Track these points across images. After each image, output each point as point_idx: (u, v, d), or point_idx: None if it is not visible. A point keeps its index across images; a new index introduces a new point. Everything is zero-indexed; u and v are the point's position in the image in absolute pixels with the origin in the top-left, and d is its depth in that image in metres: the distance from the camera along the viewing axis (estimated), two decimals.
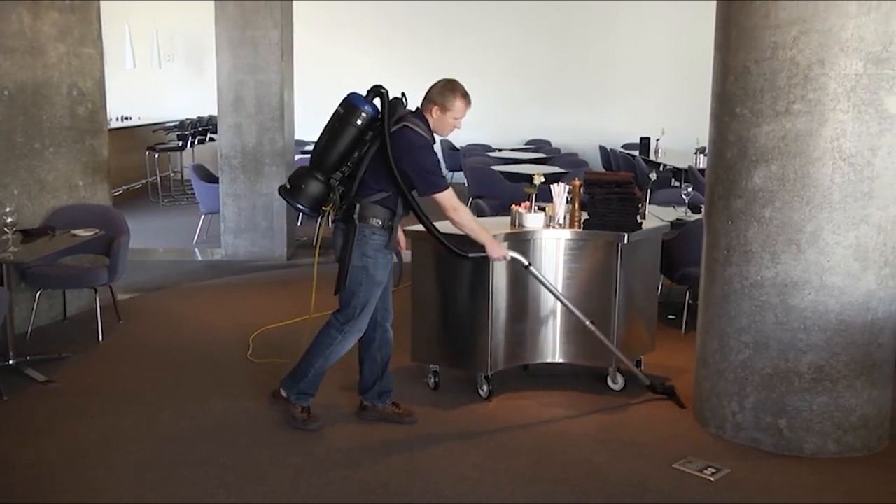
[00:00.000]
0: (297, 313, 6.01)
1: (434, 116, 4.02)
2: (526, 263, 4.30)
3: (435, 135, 4.06)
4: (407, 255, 4.50)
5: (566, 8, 13.85)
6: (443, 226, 4.94)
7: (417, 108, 4.04)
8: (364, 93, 3.92)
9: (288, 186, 4.02)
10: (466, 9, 13.91)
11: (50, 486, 3.64)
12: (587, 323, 4.43)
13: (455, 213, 4.02)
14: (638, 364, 4.98)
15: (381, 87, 3.88)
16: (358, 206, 3.94)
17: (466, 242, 4.18)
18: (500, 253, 4.18)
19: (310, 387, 4.19)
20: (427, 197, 3.96)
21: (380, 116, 3.87)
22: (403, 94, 3.98)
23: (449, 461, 3.90)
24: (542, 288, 4.65)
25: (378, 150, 3.88)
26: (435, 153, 4.02)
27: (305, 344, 4.22)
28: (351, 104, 3.89)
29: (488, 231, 4.20)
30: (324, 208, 4.00)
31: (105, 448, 4.01)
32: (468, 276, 4.55)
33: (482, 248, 4.16)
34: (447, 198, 3.98)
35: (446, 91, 4.02)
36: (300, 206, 3.99)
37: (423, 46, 13.62)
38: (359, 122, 3.86)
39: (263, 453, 3.94)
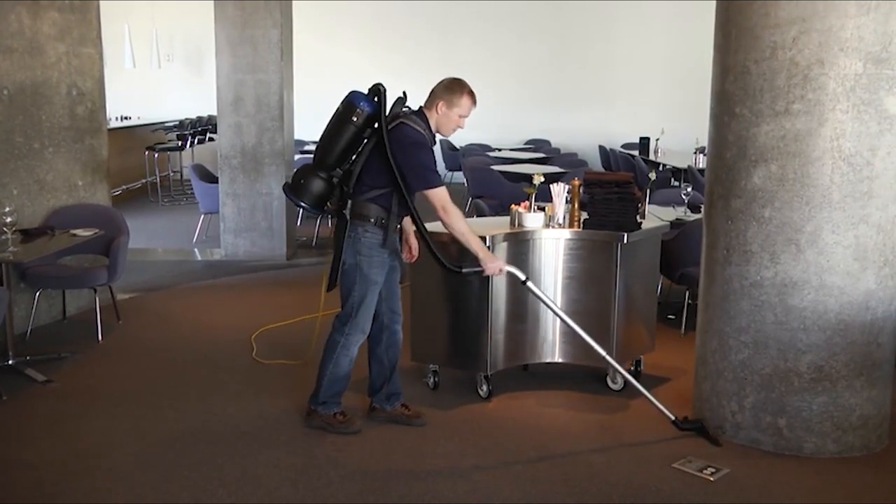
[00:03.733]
0: (297, 313, 6.02)
1: (439, 112, 3.98)
2: (523, 278, 4.08)
3: (437, 134, 4.05)
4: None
5: (566, 8, 13.85)
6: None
7: (420, 107, 4.02)
8: (366, 91, 3.92)
9: (290, 184, 4.04)
10: (466, 9, 13.91)
11: (49, 486, 3.64)
12: (593, 343, 4.17)
13: (445, 214, 3.89)
14: (637, 363, 4.99)
15: (380, 85, 3.87)
16: (351, 202, 3.93)
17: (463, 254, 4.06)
18: (496, 267, 4.01)
19: (329, 395, 4.17)
20: (420, 193, 3.90)
21: (377, 114, 3.87)
22: (404, 93, 3.98)
23: (448, 461, 3.90)
24: (542, 288, 4.64)
25: (374, 146, 3.87)
26: (431, 151, 3.94)
27: (313, 344, 4.19)
28: (350, 102, 3.88)
29: (483, 243, 4.03)
30: (328, 206, 3.99)
31: (105, 448, 4.01)
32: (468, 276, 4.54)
33: (476, 260, 3.99)
34: (439, 195, 3.87)
35: (454, 87, 3.99)
36: (302, 204, 3.99)
37: (422, 47, 13.62)
38: (356, 119, 3.85)
39: (263, 453, 3.94)
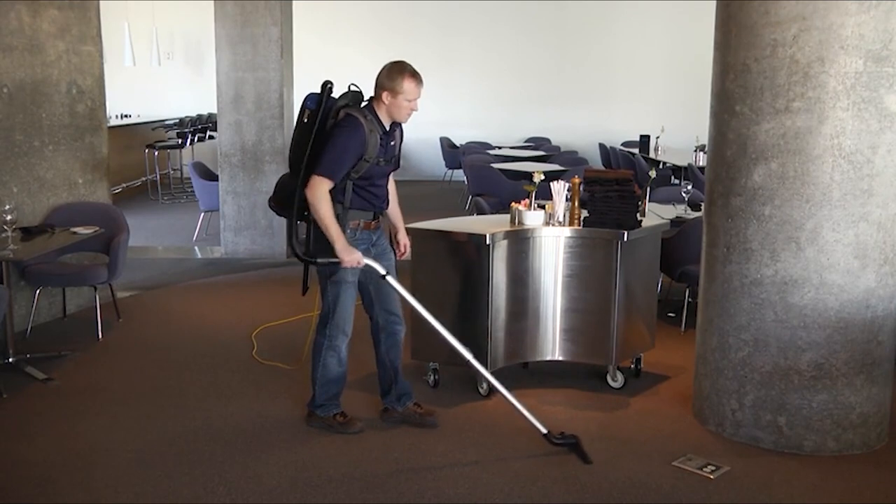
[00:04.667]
0: (297, 311, 6.01)
1: (386, 102, 3.88)
2: (383, 273, 3.91)
3: (393, 121, 3.95)
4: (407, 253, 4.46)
5: (566, 6, 13.84)
6: (454, 221, 4.97)
7: (370, 98, 3.95)
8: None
9: (272, 197, 4.04)
10: (466, 7, 13.90)
11: (49, 484, 3.64)
12: (458, 345, 4.01)
13: (312, 195, 3.76)
14: (637, 361, 4.99)
15: (328, 81, 3.81)
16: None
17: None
18: (353, 259, 3.83)
19: (325, 398, 4.15)
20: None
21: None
22: (353, 84, 3.90)
23: (448, 460, 3.90)
24: (543, 286, 4.66)
25: (317, 142, 3.82)
26: (359, 144, 3.79)
27: (307, 347, 4.18)
28: (302, 104, 3.86)
29: (343, 235, 3.84)
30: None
31: (104, 446, 4.01)
32: (468, 274, 4.55)
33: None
34: (317, 182, 3.75)
35: (394, 73, 3.87)
36: (286, 215, 3.97)
37: (423, 45, 13.61)
38: (306, 120, 3.82)
39: (263, 451, 3.94)
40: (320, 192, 3.78)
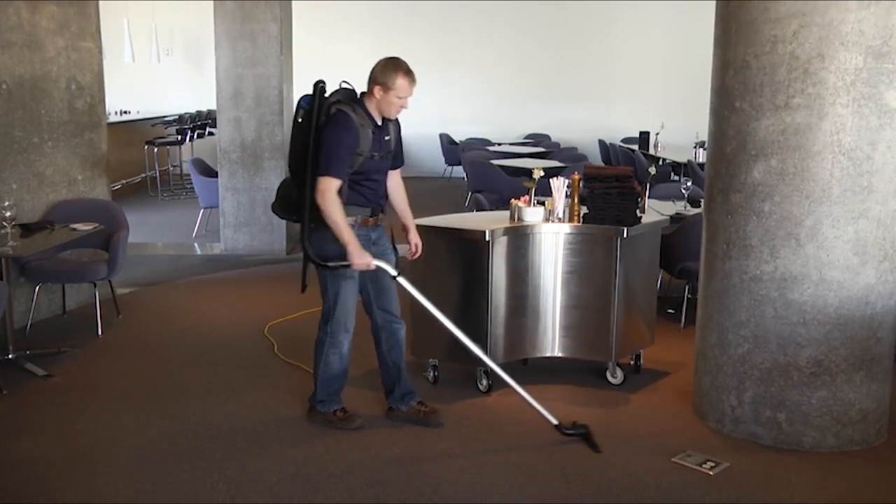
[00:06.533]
0: (297, 307, 6.01)
1: (377, 97, 3.88)
2: (394, 274, 3.95)
3: (384, 117, 3.95)
4: (403, 249, 4.39)
5: (566, 7, 13.83)
6: (453, 218, 4.97)
7: (362, 93, 3.95)
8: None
9: (274, 201, 4.05)
10: (465, 7, 13.89)
11: (49, 481, 3.64)
12: (468, 342, 4.07)
13: (322, 199, 3.75)
14: (637, 358, 5.00)
15: (320, 81, 3.81)
16: (308, 200, 3.85)
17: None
18: (364, 262, 3.85)
19: (325, 394, 4.16)
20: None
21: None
22: (344, 81, 3.90)
23: (448, 456, 3.91)
24: (542, 282, 4.66)
25: (313, 141, 3.82)
26: (352, 137, 3.80)
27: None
28: (297, 105, 3.86)
29: (355, 238, 3.85)
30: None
31: (104, 443, 4.01)
32: (468, 271, 4.55)
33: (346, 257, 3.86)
34: (324, 181, 3.75)
35: (388, 70, 3.87)
36: (293, 218, 3.96)
37: (423, 42, 13.59)
38: (301, 119, 3.82)
39: (263, 448, 3.95)
40: (329, 194, 3.78)
